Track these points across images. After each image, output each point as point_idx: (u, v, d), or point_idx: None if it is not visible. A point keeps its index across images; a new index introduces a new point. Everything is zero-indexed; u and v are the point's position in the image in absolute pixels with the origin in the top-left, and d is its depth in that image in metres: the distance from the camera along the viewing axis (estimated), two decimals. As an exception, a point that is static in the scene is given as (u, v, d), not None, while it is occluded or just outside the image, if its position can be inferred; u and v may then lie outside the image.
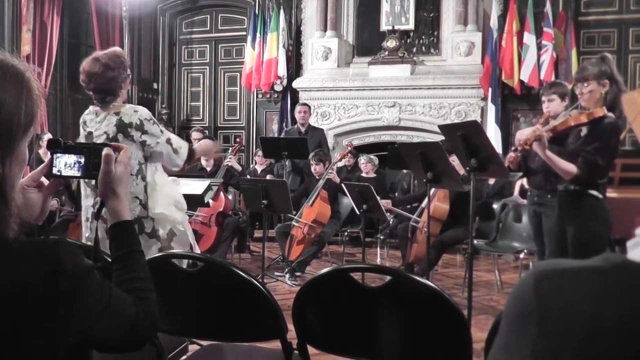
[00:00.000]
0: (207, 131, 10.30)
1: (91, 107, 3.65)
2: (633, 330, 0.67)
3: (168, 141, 3.55)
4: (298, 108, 8.46)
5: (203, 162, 7.19)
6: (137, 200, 3.48)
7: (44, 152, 7.15)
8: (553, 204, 4.05)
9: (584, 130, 3.68)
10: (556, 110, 4.17)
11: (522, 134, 3.80)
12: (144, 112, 3.53)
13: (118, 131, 3.46)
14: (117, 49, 3.69)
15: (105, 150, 1.47)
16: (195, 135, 8.83)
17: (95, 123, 3.57)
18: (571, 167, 3.60)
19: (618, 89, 3.60)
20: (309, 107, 8.68)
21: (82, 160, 1.48)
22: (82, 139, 3.59)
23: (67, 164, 1.48)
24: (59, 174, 1.49)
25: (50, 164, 1.48)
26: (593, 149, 3.55)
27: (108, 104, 3.53)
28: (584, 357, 0.69)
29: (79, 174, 1.49)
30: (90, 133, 3.56)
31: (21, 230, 1.23)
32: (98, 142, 3.43)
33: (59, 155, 1.48)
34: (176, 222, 3.60)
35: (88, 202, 3.64)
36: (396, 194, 8.34)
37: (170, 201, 3.59)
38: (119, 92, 3.55)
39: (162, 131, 3.56)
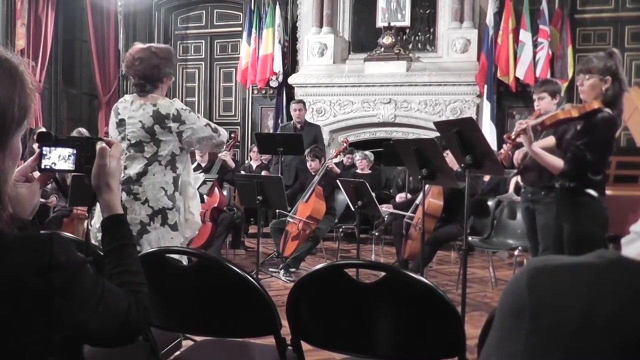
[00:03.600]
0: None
1: (126, 96, 3.59)
2: (626, 326, 0.67)
3: (207, 125, 3.49)
4: (293, 106, 8.41)
5: (197, 157, 7.19)
6: (163, 190, 3.42)
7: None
8: (546, 200, 4.06)
9: (579, 126, 3.65)
10: (547, 109, 4.17)
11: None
12: (178, 103, 3.50)
13: (155, 122, 3.38)
14: (169, 46, 3.70)
15: (99, 144, 1.46)
16: None
17: (129, 111, 3.47)
18: (557, 162, 3.57)
19: (620, 87, 3.54)
20: (304, 103, 8.64)
21: (75, 153, 1.47)
22: (112, 126, 3.54)
23: (60, 157, 1.47)
24: (50, 167, 1.48)
25: (39, 157, 1.47)
26: (582, 143, 3.51)
27: (146, 94, 3.45)
28: (577, 353, 0.69)
29: (71, 168, 1.48)
30: (122, 120, 3.47)
31: (14, 224, 1.23)
32: (131, 129, 3.42)
33: (50, 148, 1.47)
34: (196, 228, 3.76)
35: None
36: (391, 191, 8.35)
37: (200, 210, 3.73)
38: (160, 85, 3.48)
39: (198, 117, 3.52)
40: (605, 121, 3.52)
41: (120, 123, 3.48)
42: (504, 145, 4.02)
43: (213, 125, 3.55)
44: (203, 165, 7.10)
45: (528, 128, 3.58)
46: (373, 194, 5.57)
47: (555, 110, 3.79)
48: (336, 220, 7.20)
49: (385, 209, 6.50)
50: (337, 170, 6.85)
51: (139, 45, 3.53)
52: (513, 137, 3.68)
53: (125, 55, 3.53)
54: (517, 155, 4.14)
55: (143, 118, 3.41)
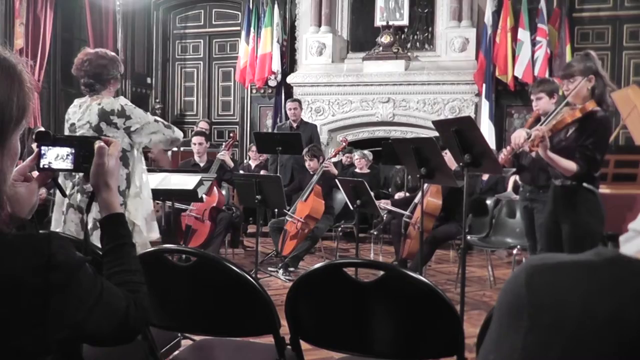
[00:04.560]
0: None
1: (76, 101, 3.71)
2: (623, 324, 0.67)
3: (156, 120, 3.59)
4: (288, 105, 8.42)
5: (196, 157, 7.18)
6: None
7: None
8: (545, 199, 4.06)
9: (572, 127, 3.69)
10: (545, 108, 4.17)
11: (518, 137, 3.78)
12: (123, 99, 3.61)
13: (100, 120, 3.49)
14: (115, 54, 3.80)
15: (97, 143, 1.46)
16: (202, 124, 9.08)
17: (78, 114, 3.60)
18: (571, 165, 3.61)
19: (604, 83, 3.62)
20: (300, 102, 8.65)
21: (73, 152, 1.47)
22: (65, 131, 3.62)
23: (58, 156, 1.47)
24: (48, 166, 1.47)
25: (38, 156, 1.47)
26: (590, 144, 3.57)
27: (96, 93, 3.56)
28: (575, 350, 0.69)
29: (69, 167, 1.48)
30: (73, 124, 3.59)
31: (13, 224, 1.22)
32: (81, 132, 3.49)
33: (48, 147, 1.47)
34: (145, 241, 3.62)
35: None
36: (389, 190, 8.34)
37: (145, 215, 3.64)
38: (108, 85, 3.59)
39: (146, 113, 3.61)
40: (606, 121, 3.64)
41: (71, 127, 3.60)
42: (504, 150, 4.02)
43: (166, 122, 3.64)
44: (202, 165, 7.10)
45: (545, 135, 3.60)
46: (372, 193, 5.57)
47: (559, 113, 3.79)
48: (335, 220, 7.20)
49: (384, 205, 6.49)
50: (335, 171, 6.85)
51: (87, 50, 3.68)
52: (536, 145, 3.68)
53: (75, 60, 3.62)
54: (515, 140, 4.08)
55: (90, 118, 3.53)
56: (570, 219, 3.70)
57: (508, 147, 3.91)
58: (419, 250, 4.98)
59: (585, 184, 3.64)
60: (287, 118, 9.62)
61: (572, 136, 3.70)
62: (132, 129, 3.50)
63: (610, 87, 3.71)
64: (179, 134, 3.68)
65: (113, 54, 3.72)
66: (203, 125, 9.15)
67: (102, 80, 3.56)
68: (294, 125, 8.24)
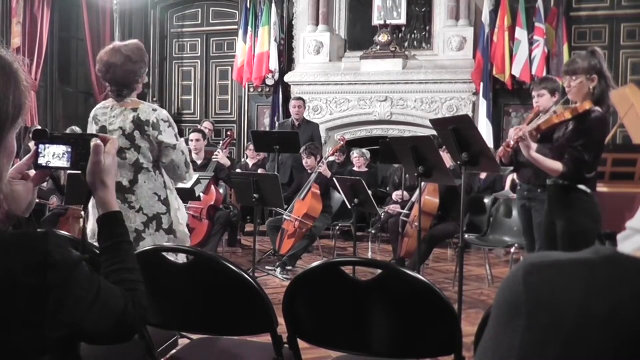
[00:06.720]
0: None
1: (105, 102, 3.53)
2: (622, 322, 0.67)
3: (182, 153, 3.45)
4: (292, 103, 8.45)
5: (194, 155, 7.17)
6: (157, 196, 3.41)
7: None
8: (543, 198, 4.05)
9: (571, 126, 3.66)
10: (546, 106, 4.16)
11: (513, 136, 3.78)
12: (162, 113, 3.42)
13: (135, 128, 3.35)
14: (138, 41, 3.55)
15: (94, 141, 1.45)
16: (206, 124, 9.21)
17: (109, 117, 3.43)
18: (557, 166, 3.57)
19: (607, 84, 3.55)
20: (304, 101, 8.65)
21: (70, 151, 1.46)
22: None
23: (55, 155, 1.46)
24: (45, 165, 1.47)
25: (36, 155, 1.47)
26: (580, 145, 3.52)
27: (124, 98, 3.41)
28: (572, 349, 0.69)
29: (66, 165, 1.47)
30: (103, 127, 3.43)
31: (9, 222, 1.22)
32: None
33: (45, 146, 1.46)
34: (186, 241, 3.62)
35: None
36: (387, 189, 8.35)
37: (184, 222, 3.60)
38: (136, 86, 3.44)
39: (177, 139, 3.45)
40: (600, 121, 3.55)
41: (102, 130, 3.43)
42: (500, 149, 4.02)
43: (188, 158, 3.51)
44: (199, 162, 7.09)
45: (526, 135, 3.57)
46: (369, 192, 5.57)
47: (549, 114, 3.78)
48: (332, 218, 7.20)
49: (393, 208, 6.54)
50: (328, 173, 6.83)
51: (109, 48, 3.44)
52: (512, 144, 3.67)
53: (97, 60, 3.42)
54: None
55: (124, 124, 3.38)
56: (564, 217, 3.68)
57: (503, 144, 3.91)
58: (417, 249, 4.98)
59: (578, 185, 3.62)
60: (285, 117, 9.63)
61: (567, 135, 3.67)
62: (163, 144, 3.37)
63: (613, 89, 3.67)
64: (190, 176, 3.57)
65: (138, 48, 3.45)
66: (207, 125, 9.17)
67: (130, 85, 3.40)
68: (296, 123, 8.24)
